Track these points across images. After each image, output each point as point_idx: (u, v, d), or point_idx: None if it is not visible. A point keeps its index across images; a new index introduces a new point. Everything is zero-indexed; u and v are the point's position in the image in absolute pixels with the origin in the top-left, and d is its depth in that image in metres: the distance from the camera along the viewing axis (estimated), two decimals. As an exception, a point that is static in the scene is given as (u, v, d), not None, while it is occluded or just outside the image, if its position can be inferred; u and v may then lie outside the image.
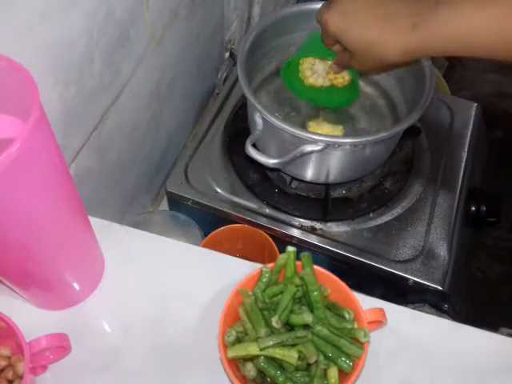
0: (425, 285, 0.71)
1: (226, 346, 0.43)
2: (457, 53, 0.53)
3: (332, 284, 0.46)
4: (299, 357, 0.42)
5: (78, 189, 0.44)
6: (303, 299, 0.46)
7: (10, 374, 0.42)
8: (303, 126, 0.75)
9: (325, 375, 0.43)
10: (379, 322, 0.46)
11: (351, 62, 0.64)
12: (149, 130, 0.79)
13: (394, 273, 0.72)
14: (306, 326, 0.44)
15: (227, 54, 1.02)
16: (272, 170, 0.79)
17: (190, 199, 0.78)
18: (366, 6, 0.59)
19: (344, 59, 0.66)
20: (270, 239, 0.74)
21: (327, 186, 0.77)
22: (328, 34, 0.62)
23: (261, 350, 0.42)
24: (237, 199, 0.78)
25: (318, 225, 0.76)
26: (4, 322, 0.41)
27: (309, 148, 0.64)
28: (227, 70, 1.03)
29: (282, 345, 0.42)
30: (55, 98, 0.53)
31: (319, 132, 0.72)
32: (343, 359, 0.42)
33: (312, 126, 0.75)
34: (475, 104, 0.93)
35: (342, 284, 0.46)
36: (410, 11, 0.54)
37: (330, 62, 0.73)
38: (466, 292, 0.86)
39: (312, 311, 0.44)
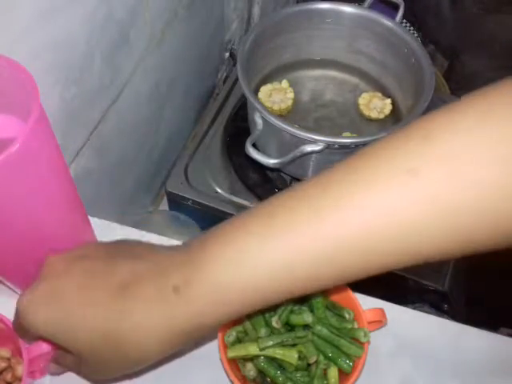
0: (425, 285, 0.71)
1: (226, 346, 0.43)
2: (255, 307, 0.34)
3: (332, 284, 0.46)
4: (299, 357, 0.42)
5: (78, 189, 0.44)
6: (303, 299, 0.46)
7: (9, 376, 0.41)
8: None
9: (325, 375, 0.43)
10: (379, 321, 0.45)
11: (80, 369, 0.38)
12: (149, 130, 0.79)
13: (394, 273, 0.72)
14: (306, 326, 0.44)
15: (227, 54, 1.02)
16: (272, 170, 0.79)
17: (189, 199, 0.78)
18: (76, 280, 0.36)
19: (69, 361, 0.39)
20: (270, 239, 0.73)
21: (327, 186, 0.77)
22: (31, 330, 0.37)
23: (261, 350, 0.42)
24: (237, 199, 0.78)
25: (318, 225, 0.76)
26: (3, 324, 0.41)
27: (309, 148, 0.64)
28: (227, 70, 1.03)
29: (282, 345, 0.42)
30: (55, 98, 0.53)
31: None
32: (343, 359, 0.42)
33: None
34: (475, 104, 0.92)
35: (342, 284, 0.46)
36: (161, 268, 0.35)
37: None
38: (466, 292, 0.85)
39: (312, 311, 0.44)
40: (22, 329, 0.38)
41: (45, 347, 0.40)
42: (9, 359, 0.42)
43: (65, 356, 0.39)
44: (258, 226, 0.33)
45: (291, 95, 0.80)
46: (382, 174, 0.31)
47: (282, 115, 0.80)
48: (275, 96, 0.80)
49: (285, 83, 0.82)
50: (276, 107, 0.79)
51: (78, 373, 0.40)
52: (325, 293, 0.45)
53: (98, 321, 0.34)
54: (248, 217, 0.34)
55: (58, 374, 0.43)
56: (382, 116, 0.79)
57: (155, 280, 0.34)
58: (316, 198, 0.32)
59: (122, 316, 0.34)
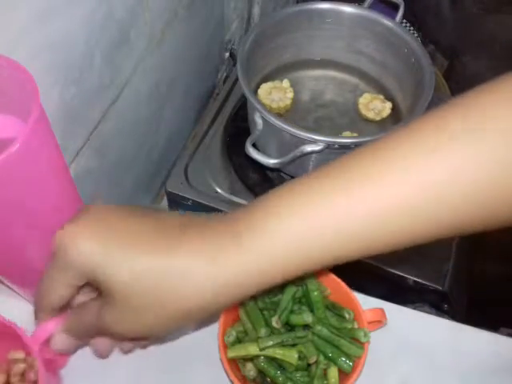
0: (425, 285, 0.71)
1: (226, 346, 0.43)
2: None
3: (332, 284, 0.46)
4: (299, 357, 0.42)
5: (78, 189, 0.44)
6: (303, 299, 0.46)
7: (32, 375, 0.40)
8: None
9: (325, 375, 0.43)
10: (379, 321, 0.46)
11: (104, 317, 0.35)
12: (149, 129, 0.79)
13: (394, 273, 0.72)
14: (306, 326, 0.44)
15: (227, 54, 1.02)
16: (272, 170, 0.79)
17: (189, 199, 0.78)
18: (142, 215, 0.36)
19: (88, 316, 0.37)
20: (270, 239, 0.73)
21: (327, 186, 0.77)
22: (70, 266, 0.34)
23: (261, 350, 0.42)
24: (237, 199, 0.78)
25: (317, 225, 0.76)
26: (6, 327, 0.40)
27: (309, 148, 0.64)
28: (227, 70, 1.03)
29: (282, 345, 0.42)
30: (55, 98, 0.53)
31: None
32: (343, 359, 0.42)
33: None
34: (475, 104, 0.92)
35: (342, 284, 0.46)
36: (209, 220, 0.35)
37: None
38: (466, 292, 0.85)
39: (312, 311, 0.44)
40: (55, 273, 0.35)
41: (51, 327, 0.38)
42: (24, 359, 0.41)
43: (83, 312, 0.37)
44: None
45: (291, 95, 0.81)
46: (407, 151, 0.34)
47: (281, 114, 0.80)
48: (275, 94, 0.80)
49: (286, 83, 0.82)
50: (275, 105, 0.79)
51: (97, 327, 0.35)
52: (315, 275, 0.45)
53: (148, 262, 0.33)
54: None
55: (67, 350, 0.39)
56: (378, 118, 0.79)
57: (205, 225, 0.34)
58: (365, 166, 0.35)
59: (173, 255, 0.33)
